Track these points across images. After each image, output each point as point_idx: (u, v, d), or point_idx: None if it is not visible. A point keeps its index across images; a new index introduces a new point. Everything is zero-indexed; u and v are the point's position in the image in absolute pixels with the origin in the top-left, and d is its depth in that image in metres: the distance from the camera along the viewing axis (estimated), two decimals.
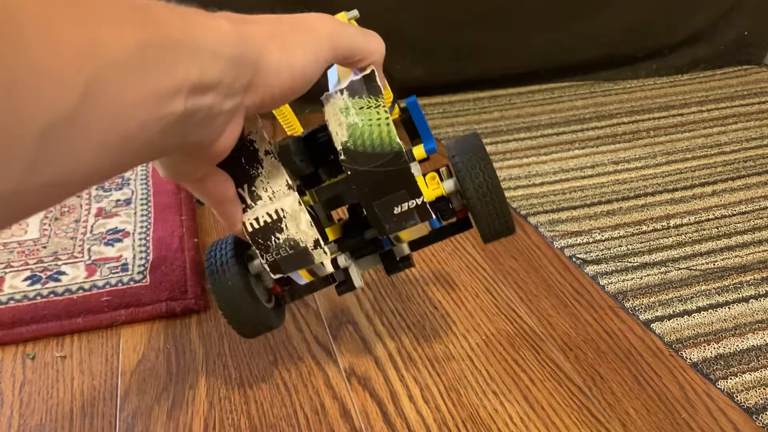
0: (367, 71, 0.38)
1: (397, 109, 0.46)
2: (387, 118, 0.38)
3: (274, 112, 0.42)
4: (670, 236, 0.71)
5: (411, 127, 0.45)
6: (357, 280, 0.45)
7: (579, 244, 0.70)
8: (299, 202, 0.38)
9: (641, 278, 0.64)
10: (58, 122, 0.22)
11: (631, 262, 0.67)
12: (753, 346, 0.56)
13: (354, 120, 0.37)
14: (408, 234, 0.42)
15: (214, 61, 0.27)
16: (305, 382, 0.53)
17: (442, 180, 0.43)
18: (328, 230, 0.44)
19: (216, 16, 0.29)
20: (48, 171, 0.22)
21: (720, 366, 0.54)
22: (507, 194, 0.81)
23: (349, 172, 0.38)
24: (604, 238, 0.71)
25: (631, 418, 0.49)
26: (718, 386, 0.52)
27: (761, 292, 0.62)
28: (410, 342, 0.57)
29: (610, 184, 0.83)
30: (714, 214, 0.75)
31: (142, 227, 0.73)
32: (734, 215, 0.75)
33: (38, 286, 0.63)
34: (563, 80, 1.17)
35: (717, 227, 0.73)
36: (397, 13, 1.05)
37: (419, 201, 0.39)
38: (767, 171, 0.85)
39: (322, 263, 0.40)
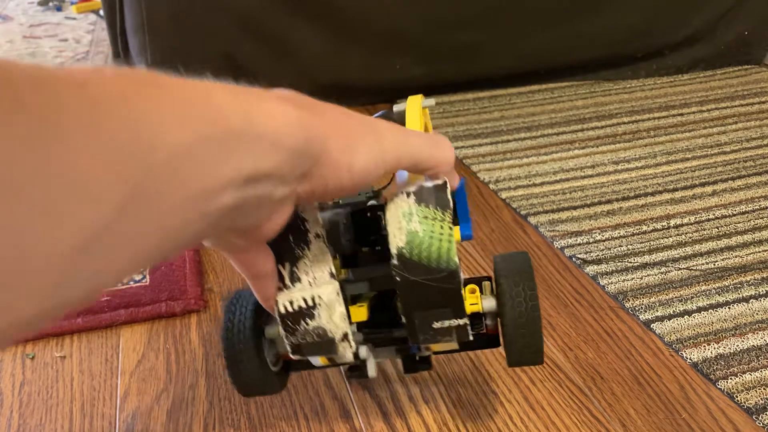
0: (440, 181, 0.37)
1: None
2: (450, 234, 0.36)
3: None
4: (671, 236, 0.71)
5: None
6: (372, 371, 0.43)
7: (579, 244, 0.70)
8: (337, 293, 0.37)
9: (641, 278, 0.64)
10: (90, 239, 0.19)
11: (631, 262, 0.67)
12: (753, 346, 0.56)
13: (415, 228, 0.36)
14: (439, 347, 0.40)
15: (273, 151, 0.25)
16: (305, 382, 0.53)
17: (482, 293, 0.42)
18: (353, 309, 0.41)
19: (282, 99, 0.27)
20: (73, 291, 0.20)
21: (720, 366, 0.54)
22: (507, 194, 0.81)
23: (398, 279, 0.37)
24: (604, 238, 0.71)
25: (631, 418, 0.49)
26: (719, 386, 0.52)
27: (761, 292, 0.62)
28: None
29: (610, 184, 0.83)
30: (714, 214, 0.75)
31: None
32: (734, 215, 0.75)
33: None
34: (563, 80, 1.17)
35: (717, 227, 0.73)
36: (397, 13, 1.05)
37: (461, 322, 0.38)
38: (767, 171, 0.85)
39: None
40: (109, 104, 0.20)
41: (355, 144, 0.30)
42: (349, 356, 0.39)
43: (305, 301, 0.37)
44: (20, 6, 1.84)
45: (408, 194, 0.37)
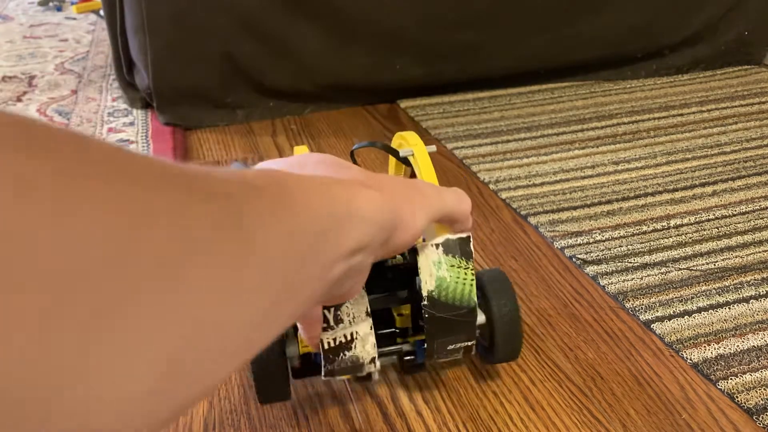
0: (464, 235, 0.43)
1: None
2: (472, 279, 0.43)
3: None
4: (671, 236, 0.71)
5: None
6: (376, 376, 0.48)
7: (579, 245, 0.70)
8: (371, 327, 0.43)
9: (641, 278, 0.64)
10: (266, 313, 0.22)
11: (631, 263, 0.67)
12: (754, 346, 0.56)
13: (444, 274, 0.43)
14: (446, 360, 0.48)
15: (369, 228, 0.31)
16: (305, 382, 0.53)
17: None
18: None
19: (365, 185, 0.32)
20: (239, 364, 0.23)
21: (720, 366, 0.54)
22: (507, 194, 0.81)
23: (426, 315, 0.43)
24: (604, 238, 0.71)
25: (632, 418, 0.49)
26: (719, 387, 0.52)
27: (762, 293, 0.62)
28: None
29: (610, 185, 0.82)
30: (714, 215, 0.75)
31: None
32: (735, 215, 0.75)
33: None
34: (563, 80, 1.17)
35: (717, 227, 0.73)
36: (397, 13, 1.05)
37: (470, 343, 0.46)
38: (767, 171, 0.85)
39: None
40: (282, 201, 0.25)
41: (415, 209, 0.36)
42: (367, 371, 0.44)
43: (345, 336, 0.42)
44: (20, 6, 1.84)
45: (437, 246, 0.43)
